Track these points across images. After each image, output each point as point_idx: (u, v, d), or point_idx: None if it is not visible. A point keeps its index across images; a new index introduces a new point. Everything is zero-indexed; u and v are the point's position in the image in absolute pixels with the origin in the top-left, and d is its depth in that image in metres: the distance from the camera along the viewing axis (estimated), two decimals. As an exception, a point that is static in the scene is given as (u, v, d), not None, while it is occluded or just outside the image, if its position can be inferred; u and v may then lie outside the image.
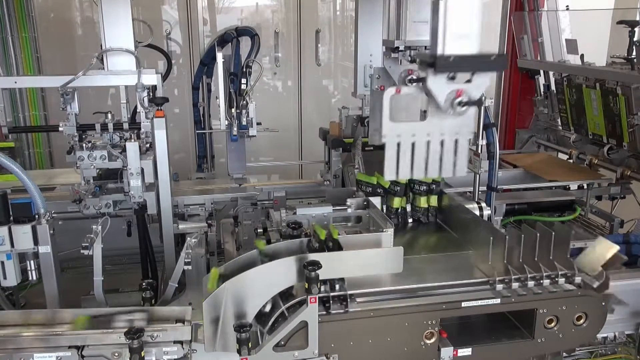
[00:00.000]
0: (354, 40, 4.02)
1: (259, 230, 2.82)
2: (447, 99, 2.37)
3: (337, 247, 2.36)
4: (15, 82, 3.37)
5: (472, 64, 2.34)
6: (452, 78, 2.35)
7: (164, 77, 3.73)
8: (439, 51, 2.30)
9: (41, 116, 5.68)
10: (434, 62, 2.29)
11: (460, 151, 2.51)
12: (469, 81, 2.36)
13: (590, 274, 2.44)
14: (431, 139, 2.49)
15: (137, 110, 3.22)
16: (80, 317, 2.32)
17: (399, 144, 2.47)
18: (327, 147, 4.15)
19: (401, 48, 3.06)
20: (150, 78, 3.05)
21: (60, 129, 3.12)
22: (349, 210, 2.92)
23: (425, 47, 3.10)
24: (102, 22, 2.97)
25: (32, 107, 5.59)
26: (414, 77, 2.81)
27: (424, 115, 2.49)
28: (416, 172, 2.50)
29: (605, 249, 2.47)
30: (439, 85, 2.36)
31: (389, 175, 2.47)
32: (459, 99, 2.37)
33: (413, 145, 2.47)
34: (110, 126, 3.20)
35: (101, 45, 3.03)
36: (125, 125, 3.24)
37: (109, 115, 3.22)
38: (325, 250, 2.36)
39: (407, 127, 2.47)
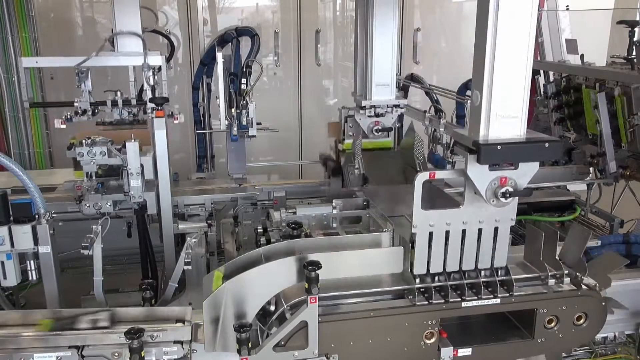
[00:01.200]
0: (354, 40, 4.02)
1: (259, 230, 2.82)
2: (489, 188, 2.12)
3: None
4: (37, 62, 3.57)
5: (523, 154, 2.08)
6: (496, 164, 2.09)
7: (168, 59, 4.00)
8: (482, 136, 2.06)
9: (41, 117, 5.69)
10: (478, 152, 2.02)
11: (500, 239, 2.29)
12: (514, 167, 2.10)
13: (574, 264, 2.42)
14: (467, 227, 2.25)
15: (144, 89, 3.42)
16: (44, 320, 2.30)
17: (430, 234, 2.24)
18: (327, 174, 4.10)
19: (368, 107, 3.47)
20: (155, 59, 3.26)
21: (75, 104, 3.33)
22: (334, 211, 2.92)
23: (387, 105, 3.45)
24: (113, 8, 3.26)
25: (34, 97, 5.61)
26: (379, 128, 3.13)
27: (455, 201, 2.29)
28: (450, 264, 2.30)
29: (582, 234, 2.44)
30: (480, 172, 2.10)
31: (418, 269, 2.30)
32: (503, 189, 2.11)
33: (447, 234, 2.25)
34: (120, 102, 3.44)
35: (112, 30, 3.29)
36: (133, 102, 3.48)
37: (118, 93, 3.47)
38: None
39: (440, 215, 2.24)
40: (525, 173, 2.11)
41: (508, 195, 2.11)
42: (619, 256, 2.51)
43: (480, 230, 2.28)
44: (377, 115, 3.52)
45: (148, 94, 3.33)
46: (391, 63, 3.38)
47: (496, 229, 2.29)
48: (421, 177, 2.17)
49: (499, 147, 2.02)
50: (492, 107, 2.04)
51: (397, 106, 3.56)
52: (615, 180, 3.84)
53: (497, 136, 2.06)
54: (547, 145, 2.07)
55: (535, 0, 2.02)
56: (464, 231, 2.27)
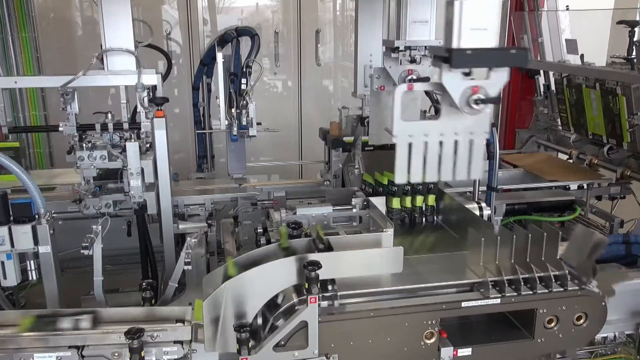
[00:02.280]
0: (354, 40, 4.02)
1: (259, 230, 2.82)
2: (463, 96, 2.23)
3: (328, 248, 2.35)
4: (16, 82, 3.38)
5: (491, 58, 2.21)
6: (468, 74, 2.21)
7: (164, 77, 3.73)
8: (454, 45, 2.16)
9: (41, 116, 5.69)
10: (450, 57, 2.15)
11: (475, 152, 2.36)
12: (485, 78, 2.22)
13: (578, 264, 2.42)
14: (444, 139, 2.35)
15: (137, 110, 3.22)
16: (25, 318, 2.29)
17: (410, 145, 2.33)
18: (327, 147, 4.15)
19: (401, 48, 3.01)
20: (150, 78, 3.06)
21: (60, 129, 3.12)
22: (354, 210, 2.91)
23: (425, 47, 3.08)
24: (102, 22, 2.98)
25: (32, 107, 5.60)
26: (414, 77, 2.73)
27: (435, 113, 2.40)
28: (429, 174, 2.37)
29: (586, 236, 2.45)
30: (454, 81, 2.22)
31: (400, 177, 2.35)
32: (475, 97, 2.23)
33: (426, 145, 2.33)
34: (110, 126, 3.19)
35: (101, 45, 3.04)
36: (125, 125, 3.24)
37: (109, 116, 3.22)
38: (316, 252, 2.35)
39: (419, 127, 2.33)
40: (495, 83, 2.22)
41: (480, 102, 2.21)
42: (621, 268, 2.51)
43: (456, 142, 2.35)
44: (412, 60, 3.07)
45: (142, 117, 3.12)
46: None
47: (471, 141, 2.36)
48: (400, 88, 2.28)
49: (469, 52, 2.14)
50: (463, 19, 2.14)
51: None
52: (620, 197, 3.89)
53: (469, 45, 2.16)
54: (513, 51, 2.22)
55: None
56: (441, 143, 2.34)
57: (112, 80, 3.08)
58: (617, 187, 3.92)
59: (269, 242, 2.62)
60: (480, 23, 2.15)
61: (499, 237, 2.48)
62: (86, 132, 3.19)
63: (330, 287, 2.28)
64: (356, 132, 3.92)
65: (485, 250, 2.53)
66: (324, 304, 2.26)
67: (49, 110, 5.77)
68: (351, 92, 4.16)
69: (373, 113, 3.38)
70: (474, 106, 2.22)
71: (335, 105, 6.55)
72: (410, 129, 2.31)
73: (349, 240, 2.48)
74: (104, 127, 3.19)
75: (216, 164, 5.55)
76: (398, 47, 3.02)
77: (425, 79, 3.11)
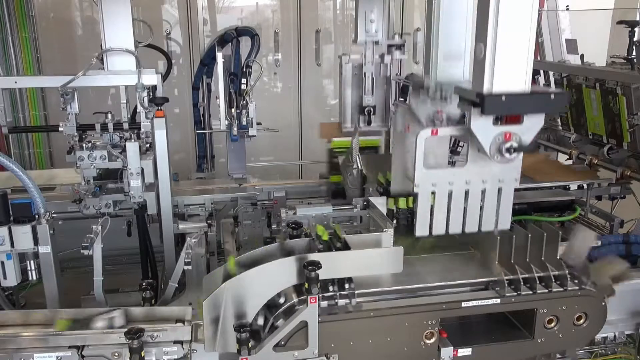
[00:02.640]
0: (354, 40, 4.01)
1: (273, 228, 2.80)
2: (493, 143, 2.04)
3: (345, 246, 2.34)
4: (16, 82, 3.35)
5: (528, 105, 2.00)
6: (499, 119, 2.03)
7: (164, 77, 3.71)
8: (486, 88, 1.97)
9: (41, 116, 5.69)
10: (482, 103, 1.94)
11: (504, 200, 2.21)
12: (519, 123, 2.03)
13: (576, 265, 2.42)
14: (471, 187, 2.17)
15: (137, 110, 3.22)
16: (60, 320, 2.30)
17: (433, 194, 2.17)
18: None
19: (431, 87, 2.53)
20: (150, 78, 3.05)
21: (60, 129, 3.11)
22: (355, 210, 2.90)
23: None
24: (102, 22, 2.97)
25: (32, 107, 5.61)
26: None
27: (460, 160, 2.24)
28: (452, 226, 2.22)
29: (585, 237, 2.45)
30: (484, 128, 2.02)
31: (420, 231, 2.22)
32: (508, 145, 2.04)
33: (450, 194, 2.17)
34: (110, 126, 3.19)
35: (101, 45, 3.03)
36: (125, 125, 3.23)
37: (109, 116, 3.21)
38: (333, 250, 2.33)
39: (443, 175, 2.17)
40: (530, 128, 2.05)
41: (513, 150, 2.04)
42: (620, 260, 2.50)
43: (484, 190, 2.20)
44: (443, 99, 2.46)
45: (142, 117, 3.11)
46: (466, 26, 2.40)
47: (500, 189, 2.21)
48: (424, 134, 2.10)
49: (503, 98, 1.95)
50: (496, 59, 1.97)
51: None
52: (621, 197, 3.88)
53: (501, 89, 1.98)
54: (552, 96, 2.02)
55: None
56: (467, 192, 2.19)
57: (112, 80, 3.07)
58: (617, 187, 3.91)
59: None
60: (514, 64, 1.98)
61: (498, 238, 2.48)
62: (86, 132, 3.18)
63: (347, 286, 2.28)
64: (354, 130, 3.91)
65: (483, 250, 2.53)
66: (342, 302, 2.27)
67: (49, 110, 5.77)
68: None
69: (396, 156, 2.95)
70: (506, 155, 2.05)
71: (336, 105, 6.54)
72: (434, 177, 2.15)
73: (349, 240, 2.47)
74: (104, 127, 3.18)
75: (216, 164, 5.55)
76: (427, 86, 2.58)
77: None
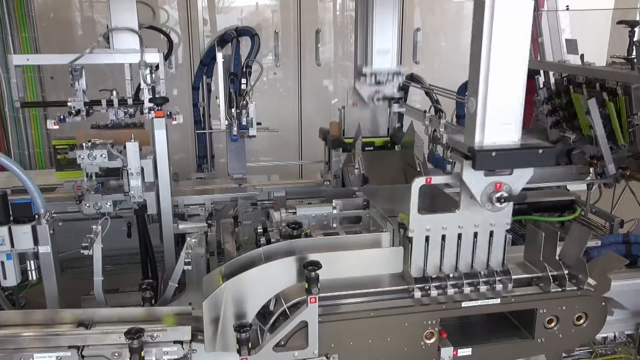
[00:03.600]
0: (354, 40, 4.02)
1: (259, 230, 2.82)
2: (484, 193, 2.16)
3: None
4: (28, 60, 3.47)
5: (517, 160, 2.12)
6: (491, 170, 2.14)
7: (166, 56, 3.92)
8: (477, 142, 2.10)
9: (41, 115, 5.69)
10: (473, 159, 2.07)
11: (495, 244, 2.34)
12: (509, 173, 2.15)
13: (573, 264, 2.42)
14: (463, 231, 2.29)
15: (140, 88, 3.30)
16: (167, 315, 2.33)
17: (427, 238, 2.28)
18: (327, 147, 4.15)
19: (368, 74, 3.63)
20: (153, 56, 3.14)
21: (69, 103, 3.19)
22: (334, 211, 2.90)
23: (388, 72, 3.78)
24: (108, 3, 3.12)
25: (30, 97, 5.61)
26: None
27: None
28: (446, 268, 2.34)
29: (581, 235, 2.45)
30: (476, 179, 2.14)
31: (415, 272, 2.33)
32: (498, 194, 2.15)
33: (443, 238, 2.29)
34: (116, 102, 3.28)
35: (107, 26, 3.16)
36: (129, 102, 3.32)
37: (114, 92, 3.32)
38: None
39: (437, 220, 2.28)
40: (519, 178, 2.16)
41: (503, 200, 2.16)
42: (619, 256, 2.51)
43: (476, 234, 2.31)
44: (377, 83, 3.72)
45: (145, 94, 3.22)
46: (392, 29, 3.53)
47: (492, 232, 2.32)
48: (417, 183, 2.21)
49: (493, 154, 2.07)
50: (487, 114, 2.08)
51: (397, 73, 3.80)
52: (615, 181, 3.84)
53: (492, 142, 2.10)
54: (540, 152, 2.12)
55: (529, 7, 2.10)
56: (460, 235, 2.31)
57: (116, 58, 3.19)
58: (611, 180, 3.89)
59: (269, 242, 2.62)
60: (504, 118, 2.09)
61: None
62: (93, 107, 3.27)
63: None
64: (356, 132, 3.92)
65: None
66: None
67: (48, 110, 5.77)
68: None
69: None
70: (497, 204, 2.16)
71: (335, 105, 6.54)
72: (427, 222, 2.27)
73: (349, 240, 2.47)
74: (110, 103, 3.28)
75: (216, 164, 5.56)
76: (365, 74, 3.67)
77: (390, 98, 3.77)
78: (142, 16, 3.23)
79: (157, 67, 3.22)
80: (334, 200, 2.93)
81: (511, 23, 2.06)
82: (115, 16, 3.12)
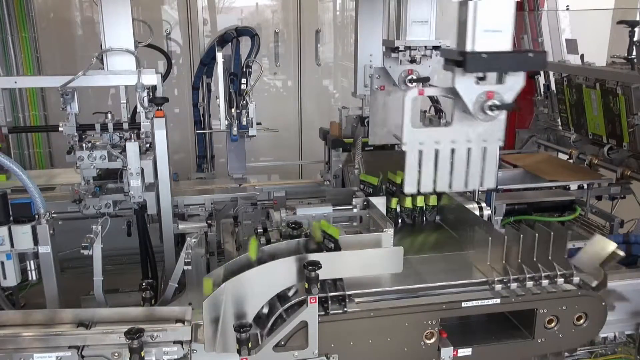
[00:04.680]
0: (354, 40, 4.02)
1: (259, 230, 2.82)
2: (477, 102, 2.14)
3: (336, 248, 2.35)
4: (15, 82, 3.36)
5: (508, 62, 2.10)
6: (482, 79, 2.12)
7: (164, 77, 3.72)
8: (468, 48, 2.06)
9: (41, 116, 5.70)
10: (464, 61, 2.04)
11: (488, 160, 2.29)
12: (500, 82, 2.14)
13: (588, 272, 2.43)
14: (456, 146, 2.26)
15: (137, 110, 3.22)
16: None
17: (420, 152, 2.25)
18: (327, 147, 4.15)
19: (401, 48, 2.99)
20: (150, 78, 3.06)
21: (60, 129, 3.12)
22: (354, 210, 2.90)
23: (426, 47, 3.10)
24: (102, 22, 2.98)
25: (32, 107, 5.61)
26: (414, 77, 2.65)
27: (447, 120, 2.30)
28: (439, 184, 2.28)
29: (602, 246, 2.46)
30: (468, 87, 2.13)
31: (409, 187, 2.26)
32: (490, 102, 2.13)
33: (437, 153, 2.25)
34: (110, 126, 3.20)
35: (101, 45, 3.04)
36: (125, 126, 3.24)
37: (109, 116, 3.22)
38: (324, 251, 2.34)
39: (430, 134, 2.24)
40: (511, 87, 2.14)
41: (495, 108, 2.13)
42: (609, 241, 2.49)
43: (469, 150, 2.27)
44: (412, 60, 3.06)
45: (142, 117, 3.12)
46: None
47: (485, 149, 2.28)
48: (411, 94, 2.19)
49: (484, 56, 2.04)
50: (477, 21, 2.04)
51: (437, 47, 3.15)
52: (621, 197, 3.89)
53: (483, 49, 2.06)
54: (530, 55, 2.11)
55: None
56: (453, 151, 2.26)
57: (112, 80, 3.08)
58: (617, 187, 3.92)
59: (268, 242, 2.62)
60: (495, 24, 2.05)
61: (490, 238, 2.48)
62: (86, 132, 3.19)
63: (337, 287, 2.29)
64: (356, 132, 3.92)
65: (483, 250, 2.53)
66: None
67: (48, 111, 5.77)
68: (351, 92, 4.16)
69: (373, 113, 3.36)
70: (489, 112, 2.14)
71: (335, 105, 6.55)
72: (421, 137, 2.23)
73: (349, 240, 2.48)
74: (104, 127, 3.19)
75: (216, 164, 5.56)
76: (398, 47, 3.00)
77: (426, 79, 3.07)
78: (140, 34, 3.13)
79: (155, 88, 3.11)
80: (353, 199, 2.92)
81: None
82: (110, 36, 2.98)
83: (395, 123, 2.56)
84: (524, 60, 2.11)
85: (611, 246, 2.43)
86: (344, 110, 4.21)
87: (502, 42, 2.08)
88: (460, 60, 2.06)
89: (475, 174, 2.31)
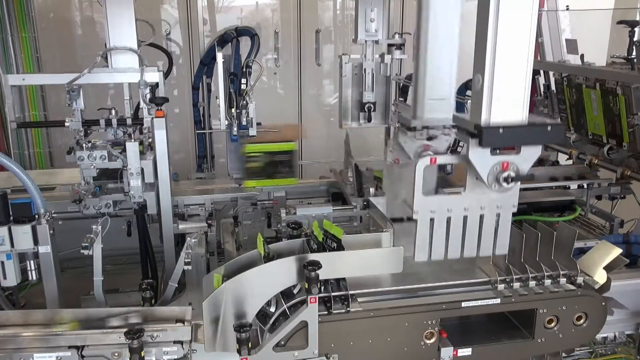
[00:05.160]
0: (353, 40, 4.01)
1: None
2: (491, 172, 2.09)
3: (339, 247, 2.34)
4: (24, 80, 3.43)
5: (525, 136, 2.05)
6: (498, 148, 2.07)
7: (166, 74, 3.75)
8: (484, 120, 2.01)
9: (41, 116, 5.70)
10: (480, 135, 1.99)
11: (502, 226, 2.26)
12: (516, 152, 2.08)
13: (592, 275, 2.44)
14: (469, 213, 2.22)
15: (140, 107, 3.27)
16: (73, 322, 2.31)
17: (432, 220, 2.21)
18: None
19: (418, 128, 2.59)
20: (153, 75, 3.12)
21: (66, 124, 3.16)
22: (355, 210, 2.89)
23: (444, 126, 2.62)
24: (106, 22, 3.06)
25: (32, 107, 5.61)
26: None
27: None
28: (451, 251, 2.26)
29: (607, 251, 2.47)
30: (482, 157, 2.07)
31: (420, 255, 2.23)
32: (505, 174, 2.09)
33: (448, 221, 2.22)
34: (114, 122, 3.25)
35: (105, 44, 3.11)
36: (129, 121, 3.29)
37: (113, 112, 3.28)
38: (326, 251, 2.34)
39: (441, 201, 2.21)
40: (527, 158, 2.09)
41: (510, 180, 2.08)
42: (613, 246, 2.50)
43: (482, 216, 2.24)
44: (429, 138, 2.63)
45: (145, 113, 3.18)
46: (450, 70, 2.48)
47: (498, 215, 2.25)
48: (422, 163, 2.17)
49: (500, 130, 1.99)
50: (493, 90, 2.00)
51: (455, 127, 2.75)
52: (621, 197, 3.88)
53: (499, 120, 2.02)
54: (549, 128, 2.03)
55: None
56: (465, 217, 2.23)
57: (116, 77, 3.14)
58: (617, 187, 3.92)
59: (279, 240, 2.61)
60: (511, 95, 2.01)
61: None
62: (91, 127, 3.24)
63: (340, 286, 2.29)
64: (345, 136, 3.90)
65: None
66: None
67: (49, 111, 5.77)
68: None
69: (387, 186, 3.09)
70: (504, 184, 2.09)
71: (335, 105, 6.54)
72: (433, 204, 2.20)
73: (349, 240, 2.48)
74: (108, 123, 3.25)
75: (216, 164, 5.55)
76: (415, 127, 2.61)
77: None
78: (142, 33, 3.19)
79: (157, 85, 3.17)
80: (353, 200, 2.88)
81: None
82: (114, 35, 3.07)
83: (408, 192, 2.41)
84: (542, 134, 2.04)
85: (615, 252, 2.43)
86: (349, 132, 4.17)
87: (518, 112, 2.02)
88: (474, 132, 2.02)
89: (488, 241, 2.28)
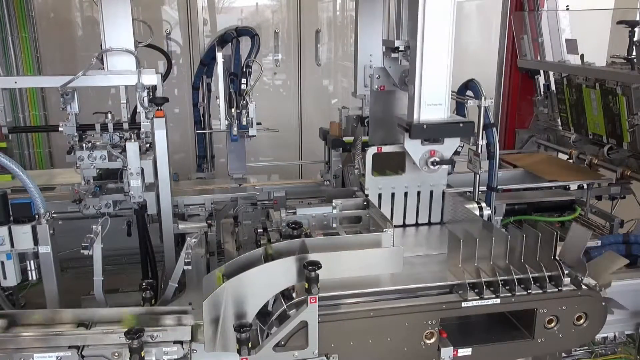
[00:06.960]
0: (354, 40, 4.01)
1: (259, 230, 2.82)
2: (422, 158, 2.85)
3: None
4: (15, 82, 3.36)
5: (443, 131, 2.81)
6: (427, 140, 2.82)
7: (164, 77, 3.72)
8: (415, 118, 2.77)
9: (41, 116, 5.69)
10: (410, 129, 2.77)
11: (435, 200, 3.10)
12: (441, 143, 2.83)
13: (597, 282, 2.44)
14: (409, 190, 3.06)
15: (137, 111, 3.22)
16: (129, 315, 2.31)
17: (380, 195, 3.03)
18: (327, 147, 4.14)
19: (401, 48, 3.02)
20: (150, 78, 3.06)
21: (60, 129, 3.11)
22: (334, 211, 2.90)
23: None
24: (102, 22, 2.98)
25: (32, 107, 5.60)
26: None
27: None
28: (395, 218, 3.08)
29: (613, 261, 2.47)
30: (415, 146, 2.83)
31: None
32: (432, 159, 2.83)
33: (393, 195, 3.06)
34: (110, 126, 3.20)
35: (101, 45, 3.04)
36: (125, 125, 3.23)
37: (109, 116, 3.22)
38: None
39: (386, 181, 3.05)
40: (449, 147, 2.86)
41: (436, 163, 2.85)
42: (619, 256, 2.51)
43: (419, 192, 3.09)
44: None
45: (142, 117, 3.10)
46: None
47: (432, 192, 3.10)
48: (371, 151, 2.97)
49: (424, 126, 2.78)
50: (422, 97, 2.77)
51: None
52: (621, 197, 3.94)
53: (425, 118, 2.79)
54: (461, 125, 2.82)
55: (452, 11, 2.68)
56: (406, 193, 3.09)
57: (112, 80, 3.07)
58: (617, 187, 3.91)
59: (269, 242, 2.62)
60: (434, 100, 2.76)
61: (494, 238, 2.48)
62: (86, 132, 3.19)
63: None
64: (356, 132, 3.91)
65: (480, 250, 2.53)
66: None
67: (49, 111, 5.77)
68: (351, 92, 4.16)
69: (373, 113, 3.43)
70: (431, 167, 2.86)
71: (335, 105, 6.54)
72: (380, 183, 3.04)
73: (349, 240, 2.48)
74: (104, 127, 3.18)
75: (216, 164, 5.54)
76: (398, 47, 3.03)
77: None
78: (141, 34, 3.13)
79: (155, 88, 3.10)
80: (334, 200, 2.93)
81: (437, 27, 2.71)
82: (110, 36, 2.96)
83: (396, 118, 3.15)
84: (456, 129, 2.83)
85: (622, 261, 2.44)
86: (343, 110, 4.21)
87: (441, 112, 2.79)
88: (407, 128, 2.79)
89: (425, 211, 3.14)
